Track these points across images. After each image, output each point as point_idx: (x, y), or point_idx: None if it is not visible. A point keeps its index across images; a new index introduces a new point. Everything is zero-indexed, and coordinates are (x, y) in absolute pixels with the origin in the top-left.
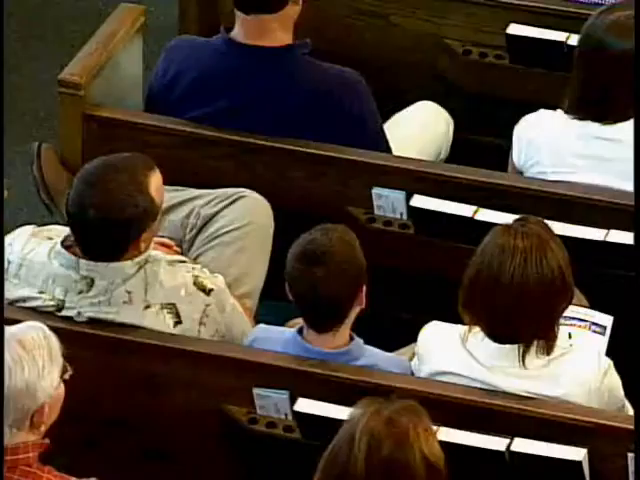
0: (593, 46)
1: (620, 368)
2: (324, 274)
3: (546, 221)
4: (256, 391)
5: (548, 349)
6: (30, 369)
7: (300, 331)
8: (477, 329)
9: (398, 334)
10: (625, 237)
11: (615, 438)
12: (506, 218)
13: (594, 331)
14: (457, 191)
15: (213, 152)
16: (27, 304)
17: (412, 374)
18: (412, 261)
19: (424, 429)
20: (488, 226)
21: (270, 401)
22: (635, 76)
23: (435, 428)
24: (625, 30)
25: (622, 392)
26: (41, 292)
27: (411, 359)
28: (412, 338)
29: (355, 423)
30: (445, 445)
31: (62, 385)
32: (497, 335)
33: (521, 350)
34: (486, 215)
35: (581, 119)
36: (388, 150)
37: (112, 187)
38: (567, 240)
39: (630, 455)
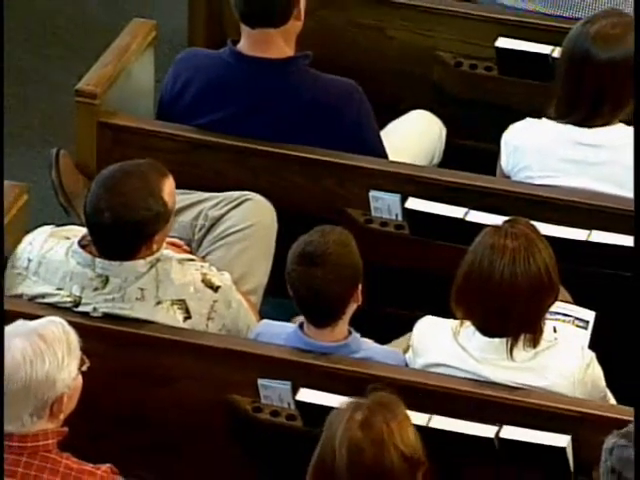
0: (580, 56)
1: (601, 360)
2: (321, 275)
3: (533, 222)
4: (260, 382)
5: (534, 342)
6: (50, 361)
7: (301, 326)
8: (468, 323)
9: (394, 329)
10: (606, 237)
11: (598, 426)
12: (495, 219)
13: (577, 325)
14: (449, 194)
15: (219, 157)
16: (46, 300)
17: (407, 366)
18: (407, 260)
19: (397, 423)
20: (478, 227)
21: (274, 391)
22: (635, 77)
23: (427, 416)
24: (610, 39)
25: (604, 383)
26: (59, 289)
27: (406, 351)
28: (407, 332)
29: (334, 433)
30: (438, 432)
31: (80, 376)
32: (487, 329)
33: (509, 343)
34: (476, 217)
35: (567, 125)
36: (384, 155)
37: (126, 191)
38: (552, 240)
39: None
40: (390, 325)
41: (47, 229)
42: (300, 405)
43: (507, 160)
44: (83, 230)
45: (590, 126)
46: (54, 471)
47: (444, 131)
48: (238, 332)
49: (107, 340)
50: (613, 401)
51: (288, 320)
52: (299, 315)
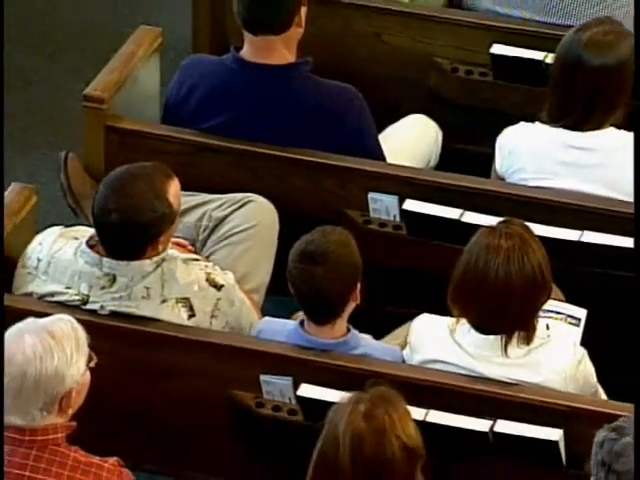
0: (573, 62)
1: (593, 357)
2: (322, 273)
3: (526, 223)
4: (263, 378)
5: (528, 339)
6: (59, 357)
7: (301, 323)
8: (464, 321)
9: (392, 326)
10: (598, 237)
11: (589, 420)
12: (490, 220)
13: (570, 323)
14: (445, 195)
15: (222, 160)
16: (55, 298)
17: (404, 362)
18: (405, 259)
19: (399, 415)
20: (474, 227)
21: (275, 387)
22: (635, 77)
23: (424, 411)
24: (602, 46)
25: (595, 379)
26: (68, 287)
27: (403, 348)
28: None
29: (337, 425)
30: (434, 426)
31: (88, 372)
32: (482, 327)
33: (504, 340)
34: (472, 217)
35: (560, 128)
36: (383, 158)
37: (133, 193)
38: (545, 240)
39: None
40: (388, 322)
41: (56, 230)
42: (301, 400)
43: (501, 162)
44: (91, 231)
45: (582, 130)
46: (63, 464)
47: (440, 135)
48: (241, 329)
49: (114, 337)
50: (604, 396)
51: (288, 317)
52: (299, 311)
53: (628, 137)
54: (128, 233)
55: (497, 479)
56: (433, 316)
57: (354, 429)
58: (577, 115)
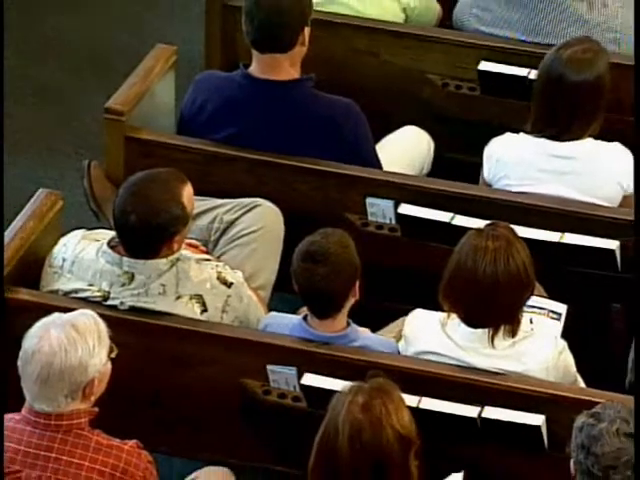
0: (555, 78)
1: (572, 348)
2: (323, 272)
3: (512, 225)
4: (269, 368)
5: (513, 332)
6: (82, 349)
7: (305, 318)
8: (454, 316)
9: (389, 320)
10: (577, 239)
11: (570, 407)
12: (478, 223)
13: (551, 317)
14: (437, 200)
15: (232, 167)
16: (79, 295)
17: (399, 353)
18: (399, 259)
19: (394, 406)
20: (463, 230)
21: (281, 376)
22: (635, 78)
23: (418, 398)
24: (582, 63)
25: (574, 369)
26: (90, 285)
27: (398, 341)
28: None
29: (337, 414)
30: (427, 412)
31: (109, 362)
32: (471, 321)
33: (490, 333)
34: (461, 221)
35: (542, 139)
36: (379, 166)
37: (150, 196)
38: (529, 241)
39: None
40: (385, 317)
41: (80, 232)
42: (305, 388)
43: (489, 170)
44: (111, 233)
45: (563, 140)
46: (86, 446)
47: (432, 144)
48: (249, 323)
49: (133, 330)
50: (582, 384)
51: (293, 312)
52: (303, 307)
53: (604, 146)
54: (145, 233)
55: (484, 462)
56: (426, 311)
57: (353, 419)
58: (558, 126)
